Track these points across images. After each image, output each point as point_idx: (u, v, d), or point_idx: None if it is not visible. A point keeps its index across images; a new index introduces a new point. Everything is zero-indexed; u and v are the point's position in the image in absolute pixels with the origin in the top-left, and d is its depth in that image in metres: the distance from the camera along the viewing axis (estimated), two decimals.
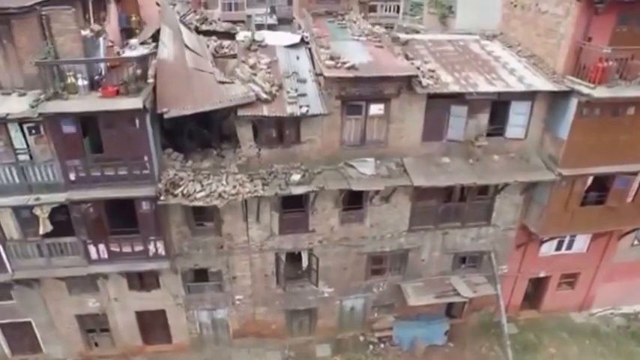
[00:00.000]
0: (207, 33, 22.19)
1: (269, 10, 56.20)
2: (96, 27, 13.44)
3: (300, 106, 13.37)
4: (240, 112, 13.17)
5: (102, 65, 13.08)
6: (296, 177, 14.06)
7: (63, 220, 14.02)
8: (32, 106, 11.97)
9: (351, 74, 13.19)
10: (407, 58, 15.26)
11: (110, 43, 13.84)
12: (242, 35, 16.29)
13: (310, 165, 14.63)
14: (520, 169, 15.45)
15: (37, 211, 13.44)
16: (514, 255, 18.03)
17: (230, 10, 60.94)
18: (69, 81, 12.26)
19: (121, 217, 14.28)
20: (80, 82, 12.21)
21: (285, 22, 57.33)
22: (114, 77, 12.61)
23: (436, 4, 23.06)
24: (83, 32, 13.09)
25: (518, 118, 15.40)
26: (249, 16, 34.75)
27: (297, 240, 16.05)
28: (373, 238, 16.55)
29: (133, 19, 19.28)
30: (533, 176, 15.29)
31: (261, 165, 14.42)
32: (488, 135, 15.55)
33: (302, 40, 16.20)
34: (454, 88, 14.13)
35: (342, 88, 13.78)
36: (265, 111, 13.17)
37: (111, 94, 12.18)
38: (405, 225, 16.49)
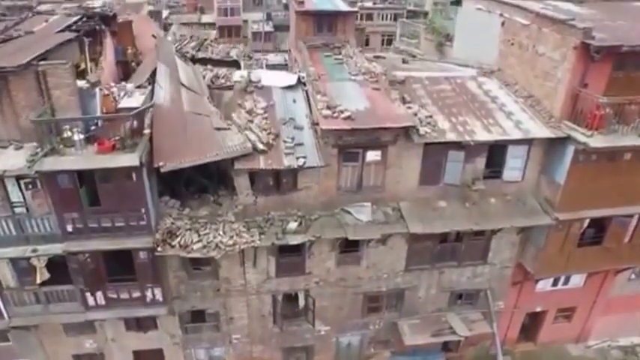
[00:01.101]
0: (204, 61, 22.28)
1: (265, 17, 56.24)
2: (92, 77, 13.40)
3: (297, 158, 13.36)
4: (237, 165, 13.16)
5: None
6: (292, 225, 14.07)
7: (60, 264, 14.03)
8: (29, 162, 11.95)
9: (347, 126, 13.19)
10: (404, 101, 15.25)
11: (106, 91, 13.79)
12: (238, 75, 16.22)
13: (307, 210, 14.65)
14: (517, 212, 15.48)
15: (34, 261, 13.46)
16: (510, 291, 18.08)
17: (226, 15, 60.91)
18: (65, 135, 12.27)
19: (118, 264, 14.27)
20: (76, 137, 12.19)
21: (281, 29, 57.41)
22: (110, 130, 12.59)
23: (433, 31, 23.01)
24: (79, 83, 13.09)
25: (515, 161, 15.42)
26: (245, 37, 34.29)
27: (294, 282, 16.08)
28: (370, 279, 16.58)
29: (129, 51, 19.25)
30: (530, 221, 15.34)
31: (258, 212, 14.43)
32: (485, 177, 15.57)
33: (298, 80, 16.13)
34: (451, 137, 14.13)
35: (339, 138, 13.78)
36: (262, 163, 13.16)
37: (107, 150, 12.17)
38: (402, 265, 16.52)
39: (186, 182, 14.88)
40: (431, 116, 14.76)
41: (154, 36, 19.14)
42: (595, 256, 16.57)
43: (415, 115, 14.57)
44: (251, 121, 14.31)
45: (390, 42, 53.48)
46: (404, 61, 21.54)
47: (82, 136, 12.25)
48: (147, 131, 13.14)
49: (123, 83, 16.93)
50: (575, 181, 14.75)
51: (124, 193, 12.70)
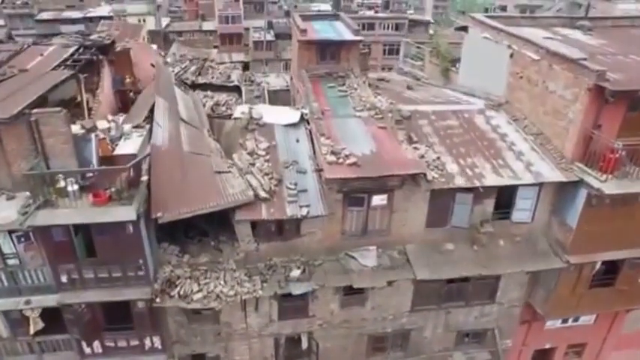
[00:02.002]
0: (204, 86, 21.83)
1: (267, 26, 55.72)
2: (87, 123, 12.90)
3: (301, 207, 12.89)
4: (239, 216, 12.70)
5: (93, 163, 12.60)
6: (295, 273, 13.61)
7: (56, 311, 13.55)
8: (21, 215, 11.48)
9: (353, 174, 12.71)
10: (411, 140, 14.76)
11: (102, 135, 13.32)
12: (239, 111, 15.73)
13: (310, 256, 14.18)
14: (527, 255, 15.00)
15: (28, 312, 12.99)
16: (519, 329, 17.60)
17: (227, 22, 60.41)
18: (59, 185, 11.80)
19: (116, 312, 13.81)
20: (70, 188, 11.73)
21: (283, 37, 56.91)
22: (106, 179, 12.11)
23: (438, 55, 22.47)
24: (74, 129, 12.61)
25: (525, 202, 14.92)
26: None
27: (297, 324, 15.60)
28: (374, 320, 16.09)
29: (128, 80, 18.79)
30: (541, 264, 14.86)
31: (260, 258, 13.96)
32: (494, 219, 15.09)
33: (301, 116, 15.64)
34: (460, 182, 13.65)
35: (344, 184, 13.30)
36: (264, 213, 12.69)
37: (103, 202, 11.70)
38: (408, 306, 16.02)
39: (186, 227, 14.39)
40: (439, 158, 14.29)
41: (152, 65, 18.62)
42: (607, 297, 16.10)
43: (422, 157, 14.09)
44: (252, 164, 13.85)
45: (391, 52, 53.17)
46: (409, 87, 21.10)
47: (76, 187, 11.78)
48: (144, 178, 12.67)
49: (120, 118, 16.64)
50: (587, 224, 14.26)
51: (121, 244, 12.23)
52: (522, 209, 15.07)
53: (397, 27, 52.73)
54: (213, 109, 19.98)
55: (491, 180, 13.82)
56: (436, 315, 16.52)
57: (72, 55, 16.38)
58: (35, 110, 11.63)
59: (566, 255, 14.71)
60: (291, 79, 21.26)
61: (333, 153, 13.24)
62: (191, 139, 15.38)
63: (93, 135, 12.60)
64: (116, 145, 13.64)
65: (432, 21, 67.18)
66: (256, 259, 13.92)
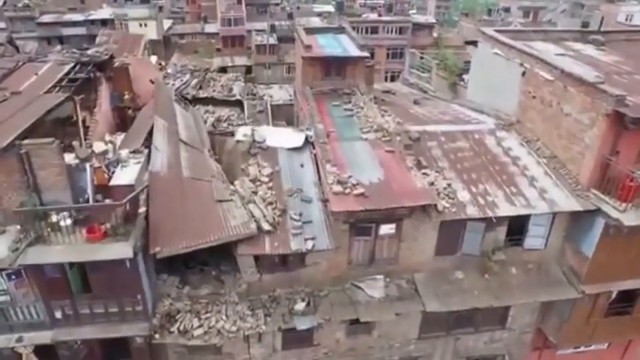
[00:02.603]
0: (205, 101, 21.27)
1: (269, 29, 55.04)
2: (82, 152, 12.33)
3: (306, 239, 12.32)
4: (241, 250, 12.17)
5: (88, 193, 12.07)
6: (300, 306, 13.06)
7: (51, 347, 13.04)
8: (12, 252, 10.93)
9: (360, 206, 12.13)
10: (420, 166, 14.18)
11: (97, 164, 12.75)
12: (241, 133, 15.13)
13: (315, 286, 13.64)
14: (540, 283, 14.44)
15: (21, 349, 12.46)
16: (530, 356, 17.04)
17: (229, 25, 59.80)
18: (51, 220, 11.25)
19: (114, 346, 13.28)
20: (63, 223, 11.18)
21: (285, 41, 56.23)
22: (101, 212, 11.55)
23: (445, 68, 21.85)
24: (68, 159, 12.05)
25: (538, 229, 14.34)
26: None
27: (302, 354, 15.05)
28: (381, 348, 15.55)
29: (126, 96, 18.25)
30: (555, 294, 14.31)
31: (263, 289, 13.42)
32: (506, 245, 14.52)
33: (306, 139, 15.04)
34: (472, 212, 13.07)
35: (351, 214, 12.72)
36: (268, 247, 12.13)
37: (98, 238, 11.14)
38: (415, 333, 15.48)
39: (186, 257, 13.81)
40: (449, 185, 13.70)
41: (152, 81, 18.05)
42: (624, 325, 15.56)
43: (432, 184, 13.51)
44: (255, 193, 13.28)
45: (395, 55, 52.44)
46: (415, 102, 20.55)
47: (69, 221, 11.23)
48: (142, 210, 12.11)
49: (118, 138, 16.10)
50: (604, 253, 13.68)
51: (118, 279, 11.68)
52: (535, 236, 14.50)
53: (401, 31, 52.00)
54: (214, 126, 19.48)
55: (505, 209, 13.24)
56: (445, 341, 15.99)
57: (68, 73, 15.82)
58: (26, 141, 11.06)
59: (582, 285, 14.14)
60: (295, 93, 20.66)
61: (339, 182, 12.66)
62: (191, 162, 14.83)
63: (88, 165, 12.02)
64: (113, 172, 13.07)
65: (435, 22, 66.44)
66: (259, 290, 13.37)
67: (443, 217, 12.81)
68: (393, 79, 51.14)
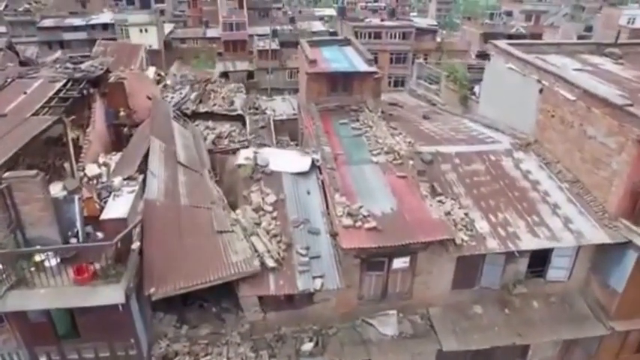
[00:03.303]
0: (206, 116, 20.33)
1: (271, 34, 54.13)
2: (70, 183, 11.37)
3: (314, 277, 11.35)
4: (244, 290, 11.21)
5: (77, 227, 11.11)
6: (307, 346, 12.10)
7: None
8: None
9: (372, 243, 11.17)
10: (434, 192, 13.22)
11: (88, 194, 11.79)
12: (243, 157, 14.17)
13: (323, 324, 12.67)
14: (564, 318, 13.45)
15: None
16: None
17: (231, 29, 58.84)
18: (36, 259, 10.30)
19: None
20: (48, 263, 10.22)
21: (287, 45, 55.33)
22: (90, 251, 10.59)
23: (455, 81, 20.86)
24: (54, 191, 11.10)
25: (562, 260, 13.39)
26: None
27: None
28: None
29: (122, 113, 17.29)
30: (581, 331, 13.32)
31: (268, 328, 12.45)
32: (527, 277, 13.55)
33: (312, 163, 14.07)
34: (492, 246, 12.10)
35: (362, 250, 11.74)
36: (272, 287, 11.16)
37: (86, 280, 10.18)
38: None
39: (185, 294, 12.84)
40: (467, 214, 12.73)
41: (149, 97, 17.09)
42: None
43: (449, 213, 12.54)
44: (258, 224, 12.31)
45: (398, 60, 51.48)
46: (425, 117, 19.57)
47: (56, 261, 10.27)
48: (135, 246, 11.14)
49: (113, 158, 15.18)
50: (636, 288, 12.68)
51: (109, 323, 10.67)
52: (558, 267, 13.54)
53: (404, 36, 50.99)
54: (215, 143, 18.55)
55: (528, 242, 12.27)
56: None
57: (59, 91, 14.87)
58: (7, 174, 10.11)
59: (610, 321, 13.16)
60: (299, 107, 19.70)
61: (349, 214, 11.70)
62: (190, 187, 13.88)
63: (76, 198, 11.05)
64: (106, 200, 12.11)
65: (436, 25, 65.53)
66: (263, 328, 12.41)
67: (461, 252, 11.84)
68: (396, 85, 50.26)
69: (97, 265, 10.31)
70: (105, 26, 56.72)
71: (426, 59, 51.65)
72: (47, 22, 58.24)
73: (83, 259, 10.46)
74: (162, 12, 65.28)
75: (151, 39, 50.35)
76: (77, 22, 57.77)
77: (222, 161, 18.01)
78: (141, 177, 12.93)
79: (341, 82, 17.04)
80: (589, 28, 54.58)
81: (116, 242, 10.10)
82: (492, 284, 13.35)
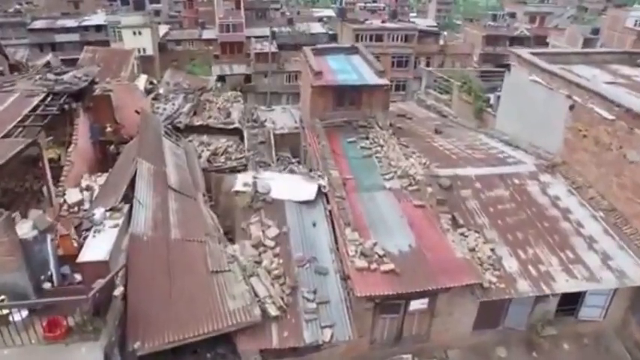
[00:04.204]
0: (200, 129, 18.86)
1: (270, 37, 52.62)
2: (40, 221, 9.85)
3: (322, 327, 9.90)
4: (242, 345, 9.75)
5: (51, 269, 9.68)
6: None
7: None
8: None
9: (390, 289, 9.77)
10: (455, 223, 11.82)
11: (64, 231, 10.34)
12: (241, 183, 12.75)
13: None
14: None
15: None
16: None
17: (228, 31, 57.29)
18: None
19: None
20: (15, 317, 8.74)
21: (286, 48, 53.89)
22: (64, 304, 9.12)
23: (470, 92, 19.46)
24: (23, 231, 9.59)
25: (597, 298, 12.02)
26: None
27: None
28: None
29: (108, 129, 15.80)
30: None
31: None
32: (557, 315, 12.19)
33: (319, 189, 12.64)
34: (524, 288, 10.70)
35: (378, 295, 10.32)
36: (275, 339, 9.71)
37: (59, 337, 8.71)
38: None
39: None
40: (493, 250, 11.33)
41: (137, 112, 15.61)
42: None
43: (473, 250, 11.16)
44: (259, 263, 10.87)
45: (400, 64, 50.09)
46: (437, 131, 18.15)
47: (22, 315, 8.80)
48: (118, 292, 9.67)
49: (97, 180, 13.74)
50: None
51: None
52: (593, 306, 12.17)
53: (406, 38, 49.59)
54: (210, 161, 17.08)
55: (563, 284, 10.89)
56: None
57: (37, 107, 13.39)
58: None
59: None
60: (301, 121, 18.27)
61: (362, 254, 10.29)
62: (182, 216, 12.43)
63: (48, 237, 9.59)
64: (85, 237, 10.65)
65: (436, 25, 64.26)
66: None
67: (489, 296, 10.43)
68: (397, 89, 48.82)
69: (73, 319, 8.88)
70: (98, 28, 54.99)
71: (428, 63, 50.72)
72: (38, 24, 56.37)
73: (56, 311, 9.01)
74: (157, 13, 63.67)
75: (144, 42, 48.61)
76: (69, 23, 55.93)
77: (218, 181, 16.50)
78: (126, 207, 11.48)
79: (349, 95, 15.64)
80: (595, 31, 53.19)
81: (93, 296, 8.63)
82: (518, 325, 11.96)
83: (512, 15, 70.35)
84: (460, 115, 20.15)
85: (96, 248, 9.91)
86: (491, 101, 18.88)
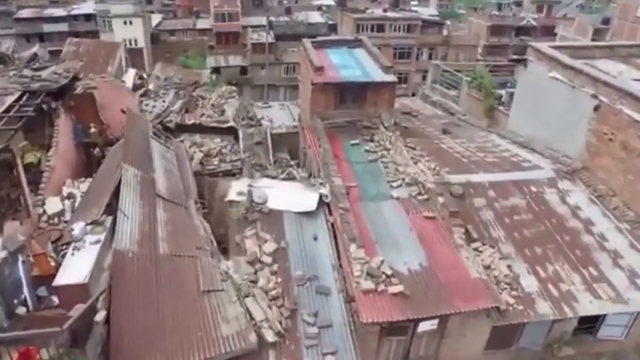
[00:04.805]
0: (192, 128, 17.77)
1: (267, 26, 51.15)
2: (11, 242, 8.82)
3: (324, 354, 8.98)
4: None
5: (25, 293, 8.70)
6: None
7: None
8: None
9: (400, 315, 8.86)
10: (469, 238, 10.86)
11: (39, 250, 9.33)
12: (235, 191, 11.75)
13: None
14: None
15: None
16: None
17: (224, 20, 55.65)
18: None
19: None
20: None
21: (284, 38, 52.41)
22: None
23: (480, 88, 18.38)
24: None
25: (620, 318, 11.09)
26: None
27: None
28: None
29: (92, 130, 14.75)
30: None
31: None
32: (574, 333, 11.30)
33: (320, 199, 11.63)
34: (544, 311, 9.82)
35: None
36: None
37: None
38: None
39: None
40: (510, 267, 10.39)
41: (123, 111, 14.49)
42: None
43: (489, 267, 10.22)
44: (254, 282, 9.90)
45: (402, 55, 48.72)
46: (445, 131, 17.13)
47: None
48: (100, 316, 8.69)
49: (80, 187, 12.76)
50: None
51: None
52: (615, 325, 11.26)
53: (409, 28, 48.17)
54: (203, 163, 16.02)
55: (587, 305, 10.00)
56: None
57: (10, 108, 12.28)
58: None
59: None
60: (300, 120, 17.21)
61: (369, 275, 9.32)
62: (171, 227, 11.42)
63: (20, 259, 8.59)
64: (64, 253, 9.66)
65: (438, 15, 62.66)
66: None
67: (506, 320, 9.51)
68: (400, 82, 47.41)
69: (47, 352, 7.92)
70: (88, 17, 53.09)
71: (431, 55, 49.36)
72: (25, 13, 54.34)
73: (28, 343, 8.04)
74: (149, 1, 61.81)
75: (136, 32, 46.88)
76: (58, 12, 53.89)
77: (212, 186, 15.49)
78: (109, 220, 10.47)
79: (352, 93, 14.57)
80: (606, 20, 51.67)
81: (66, 329, 7.65)
82: (534, 345, 11.08)
83: (519, 4, 68.63)
84: (469, 113, 19.07)
85: (74, 269, 8.93)
86: (503, 98, 17.81)
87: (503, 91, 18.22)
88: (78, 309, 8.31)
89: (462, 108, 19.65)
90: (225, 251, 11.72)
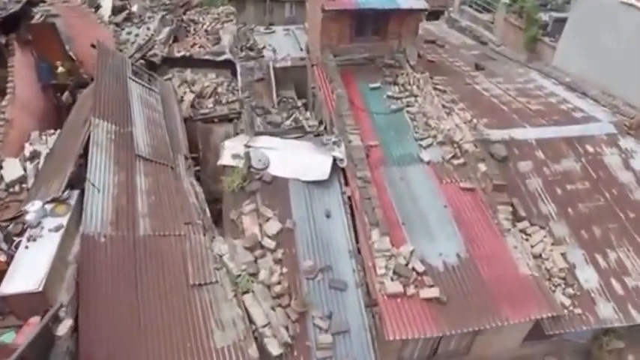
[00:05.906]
0: (182, 62, 15.17)
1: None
2: None
3: None
4: None
5: None
6: None
7: None
8: None
9: (435, 330, 7.14)
10: (516, 217, 8.91)
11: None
12: (229, 153, 9.62)
13: None
14: None
15: None
16: None
17: None
18: None
19: None
20: None
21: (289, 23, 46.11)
22: None
23: (521, 13, 15.32)
24: None
25: None
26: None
27: None
28: None
29: (59, 69, 12.29)
30: None
31: None
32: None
33: (334, 162, 9.55)
34: (607, 315, 8.14)
35: None
36: None
37: None
38: None
39: None
40: (564, 255, 8.57)
41: (93, 45, 11.86)
42: None
43: (539, 257, 8.41)
44: (254, 274, 8.17)
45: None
46: (478, 67, 14.56)
47: None
48: (65, 327, 7.08)
49: (50, 140, 10.70)
50: None
51: None
52: None
53: None
54: (194, 106, 13.73)
55: None
56: None
57: None
58: None
59: None
60: (307, 51, 14.50)
61: (395, 274, 7.52)
62: (155, 198, 9.55)
63: None
64: (17, 244, 7.82)
65: None
66: None
67: (560, 328, 7.88)
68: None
69: None
70: None
71: None
72: None
73: None
74: None
75: None
76: None
77: (206, 134, 13.43)
78: (75, 195, 8.53)
79: (372, 23, 11.80)
80: None
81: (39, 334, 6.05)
82: (580, 337, 9.65)
83: None
84: (505, 43, 16.18)
85: (27, 269, 7.17)
86: (548, 28, 14.85)
87: (545, 16, 15.18)
88: (32, 325, 6.71)
89: (496, 36, 16.69)
90: (218, 224, 9.93)
